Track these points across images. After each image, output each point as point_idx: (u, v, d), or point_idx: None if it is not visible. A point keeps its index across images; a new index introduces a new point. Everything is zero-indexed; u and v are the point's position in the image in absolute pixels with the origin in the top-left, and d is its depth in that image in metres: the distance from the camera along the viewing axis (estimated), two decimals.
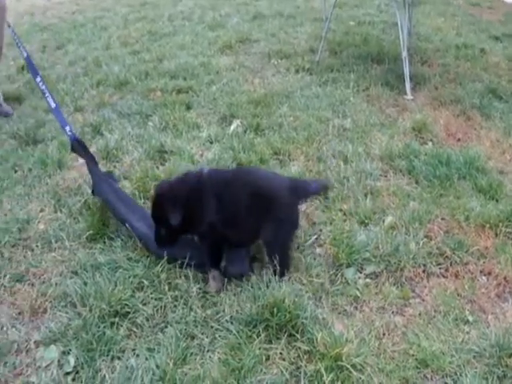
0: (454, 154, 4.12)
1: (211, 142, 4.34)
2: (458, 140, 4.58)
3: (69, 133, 3.47)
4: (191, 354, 2.48)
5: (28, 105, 5.45)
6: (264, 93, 5.24)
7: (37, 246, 3.24)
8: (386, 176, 3.94)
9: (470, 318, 2.79)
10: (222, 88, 5.47)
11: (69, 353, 2.51)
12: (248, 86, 5.58)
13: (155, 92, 5.43)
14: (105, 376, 2.38)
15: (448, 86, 5.60)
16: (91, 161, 3.48)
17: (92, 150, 4.11)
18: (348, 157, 4.10)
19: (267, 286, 2.75)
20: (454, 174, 3.89)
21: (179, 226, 2.80)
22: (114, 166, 4.02)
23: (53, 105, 3.57)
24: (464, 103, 5.14)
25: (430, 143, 4.48)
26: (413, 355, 2.53)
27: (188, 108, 5.00)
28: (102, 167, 3.73)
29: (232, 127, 4.52)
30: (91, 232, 3.26)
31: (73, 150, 3.56)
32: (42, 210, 3.57)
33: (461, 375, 2.43)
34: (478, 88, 5.55)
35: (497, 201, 3.66)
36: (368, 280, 3.00)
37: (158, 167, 4.01)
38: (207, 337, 2.58)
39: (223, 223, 2.82)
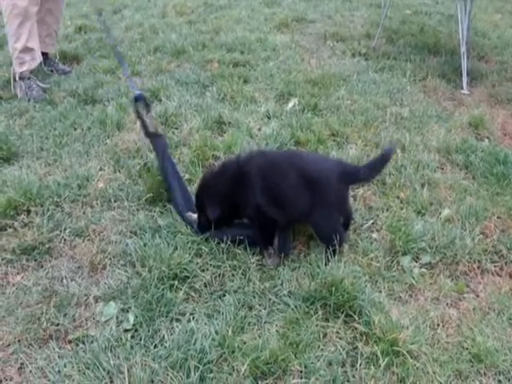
0: None
1: (269, 118, 4.34)
2: None
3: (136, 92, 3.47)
4: (249, 323, 2.51)
5: (86, 64, 5.48)
6: (321, 73, 5.21)
7: (96, 203, 3.29)
8: (442, 168, 3.91)
9: None
10: (278, 65, 5.46)
11: (128, 311, 2.55)
12: (304, 65, 5.56)
13: (212, 63, 5.43)
14: (164, 336, 2.42)
15: (505, 85, 5.50)
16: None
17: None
18: (405, 146, 4.07)
19: (325, 265, 2.77)
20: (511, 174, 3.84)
21: (219, 218, 2.86)
22: (173, 133, 4.05)
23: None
24: None
25: (487, 140, 4.43)
26: (467, 349, 2.53)
27: (245, 82, 4.99)
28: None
29: (290, 104, 4.51)
30: (151, 195, 3.29)
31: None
32: (101, 169, 3.61)
33: None
34: None
35: None
36: (423, 270, 2.99)
37: (216, 137, 4.02)
38: (265, 308, 2.60)
39: (271, 205, 2.82)
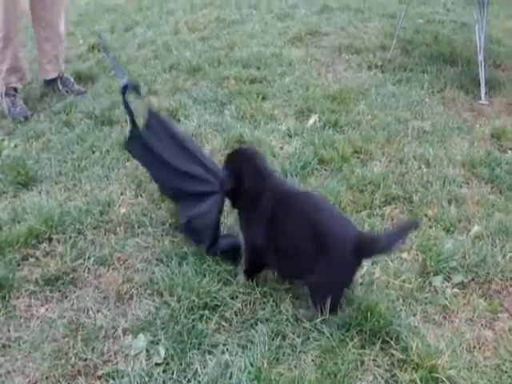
0: None
1: (290, 136, 4.30)
2: None
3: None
4: (284, 353, 2.45)
5: (101, 84, 5.47)
6: (339, 88, 5.18)
7: (119, 229, 3.23)
8: (468, 183, 3.86)
9: None
10: (295, 80, 5.42)
11: (158, 343, 2.49)
12: (321, 79, 5.52)
13: (229, 80, 5.39)
14: (197, 370, 2.36)
15: None
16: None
17: None
18: (429, 160, 4.03)
19: (360, 290, 2.72)
20: None
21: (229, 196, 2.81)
22: None
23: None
24: None
25: (510, 152, 4.38)
26: (506, 372, 2.48)
27: (263, 98, 4.94)
28: None
29: (311, 121, 4.47)
30: (174, 220, 3.24)
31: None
32: (122, 193, 3.56)
33: None
34: None
35: None
36: (456, 290, 2.94)
37: None
38: (299, 337, 2.55)
39: (271, 246, 2.68)
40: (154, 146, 3.13)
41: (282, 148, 4.13)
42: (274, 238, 2.63)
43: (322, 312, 2.58)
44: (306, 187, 3.54)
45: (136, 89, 3.27)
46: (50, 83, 5.36)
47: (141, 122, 3.24)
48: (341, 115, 4.64)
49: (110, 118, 4.66)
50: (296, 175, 3.69)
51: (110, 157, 4.03)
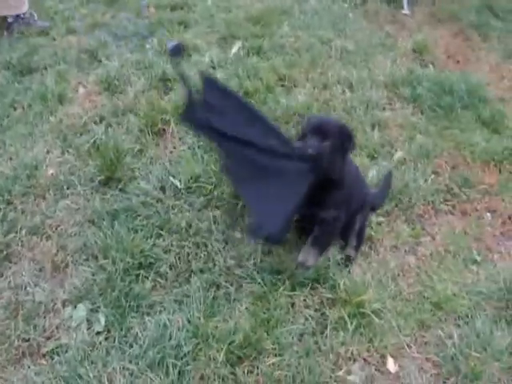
0: (456, 80, 4.13)
1: (214, 68, 4.23)
2: (458, 62, 4.60)
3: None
4: (219, 305, 2.54)
5: (16, 31, 5.10)
6: (262, 8, 5.07)
7: (49, 194, 3.13)
8: (391, 104, 3.96)
9: (478, 258, 2.94)
10: (217, 3, 5.26)
11: (97, 311, 2.51)
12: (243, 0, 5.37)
13: (149, 8, 5.18)
14: (137, 334, 2.41)
15: (444, 1, 5.48)
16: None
17: (91, 79, 4.05)
18: (353, 84, 4.07)
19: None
20: (457, 104, 3.94)
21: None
22: (118, 98, 3.87)
23: None
24: (461, 21, 5.11)
25: (431, 66, 4.47)
26: (427, 298, 2.67)
27: (185, 27, 4.80)
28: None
29: (234, 49, 4.40)
30: (103, 177, 3.19)
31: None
32: (48, 152, 3.43)
33: (472, 318, 2.58)
34: (474, 3, 5.47)
35: (500, 134, 3.74)
36: (381, 218, 3.08)
37: (162, 98, 3.88)
38: (232, 285, 2.64)
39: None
40: (217, 120, 2.53)
41: None
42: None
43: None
44: None
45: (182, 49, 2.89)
46: None
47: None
48: (264, 40, 4.58)
49: (29, 66, 4.36)
50: None
51: (32, 112, 3.81)
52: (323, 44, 4.57)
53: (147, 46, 4.54)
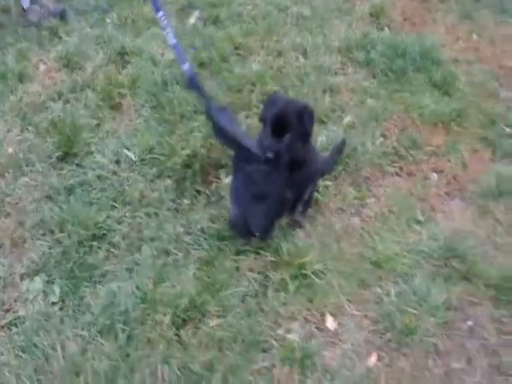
0: (411, 43, 4.19)
1: None
2: (414, 24, 4.65)
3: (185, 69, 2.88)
4: (167, 271, 2.67)
5: None
6: None
7: (8, 172, 3.20)
8: (344, 69, 4.03)
9: (421, 218, 3.06)
10: None
11: (53, 282, 2.64)
12: None
13: None
14: (90, 302, 2.54)
15: None
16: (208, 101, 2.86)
17: (52, 56, 4.06)
18: (307, 50, 4.13)
19: None
20: (410, 67, 4.01)
21: None
22: (77, 74, 3.92)
23: (172, 41, 2.96)
24: None
25: (387, 29, 4.52)
26: (368, 258, 2.80)
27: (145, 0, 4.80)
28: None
29: (191, 20, 4.44)
30: (60, 153, 3.28)
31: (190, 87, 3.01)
32: (8, 131, 3.48)
33: (411, 276, 2.72)
34: None
35: (450, 96, 3.83)
36: (328, 182, 3.18)
37: (120, 72, 3.94)
38: (180, 251, 2.77)
39: None
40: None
41: (163, 55, 4.11)
42: None
43: None
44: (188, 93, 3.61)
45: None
46: None
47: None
48: (222, 9, 4.61)
49: None
50: (177, 83, 3.73)
51: None
52: (280, 11, 4.61)
53: (107, 21, 4.55)
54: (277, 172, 2.57)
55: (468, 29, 4.74)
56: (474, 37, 4.69)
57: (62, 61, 4.03)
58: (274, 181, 2.60)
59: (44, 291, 2.60)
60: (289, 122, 2.54)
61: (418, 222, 3.03)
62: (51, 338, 2.38)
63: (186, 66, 2.83)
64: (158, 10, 2.95)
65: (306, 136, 2.65)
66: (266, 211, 2.69)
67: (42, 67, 3.91)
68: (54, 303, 2.55)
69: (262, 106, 2.78)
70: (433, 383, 2.35)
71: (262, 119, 2.65)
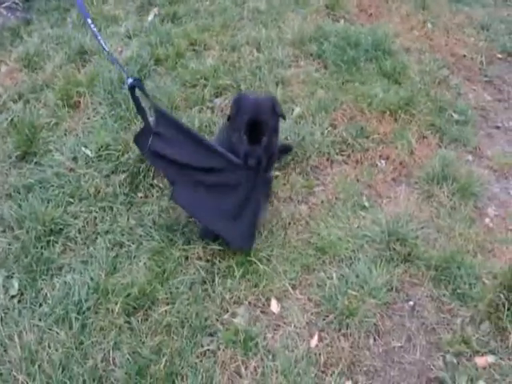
0: (364, 34, 4.32)
1: (130, 37, 4.35)
2: (370, 15, 4.76)
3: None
4: (120, 262, 2.80)
5: None
6: None
7: None
8: (296, 61, 4.14)
9: (367, 204, 3.20)
10: None
11: (12, 277, 2.76)
12: None
13: None
14: (46, 294, 2.66)
15: None
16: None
17: (13, 57, 4.15)
18: (261, 44, 4.23)
19: None
20: (362, 57, 4.14)
21: None
22: (37, 74, 4.01)
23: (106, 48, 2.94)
24: None
25: (342, 21, 4.63)
26: (313, 244, 2.93)
27: None
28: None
29: (150, 17, 4.52)
30: (20, 152, 3.38)
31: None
32: None
33: (354, 259, 2.85)
34: None
35: (400, 84, 3.96)
36: (277, 173, 3.30)
37: (79, 70, 4.02)
38: (133, 243, 2.89)
39: None
40: (167, 147, 2.78)
41: (120, 52, 4.19)
42: None
43: None
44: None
45: (142, 86, 2.87)
46: None
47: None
48: (179, 6, 4.71)
49: None
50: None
51: None
52: (237, 6, 4.71)
53: (68, 20, 4.63)
54: (256, 175, 2.68)
55: (423, 18, 4.88)
56: (429, 26, 4.82)
57: (23, 61, 4.12)
58: (256, 185, 2.70)
59: (4, 286, 2.71)
60: (264, 126, 2.63)
61: (363, 208, 3.17)
62: (9, 330, 2.50)
63: (129, 79, 2.81)
64: (86, 16, 3.02)
65: (277, 127, 2.78)
66: (249, 224, 2.79)
67: (3, 68, 4.00)
68: (13, 296, 2.67)
69: (230, 106, 2.81)
70: (372, 361, 2.49)
71: (233, 121, 2.73)
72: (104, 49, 2.92)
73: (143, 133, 2.82)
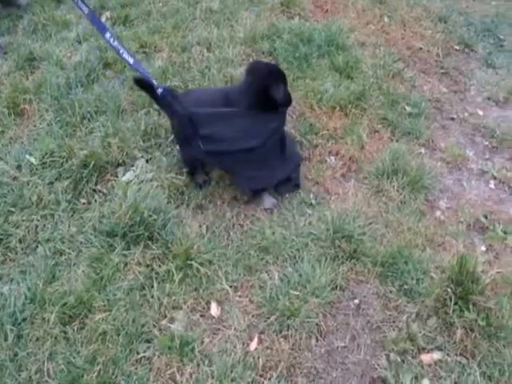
0: (318, 30, 4.29)
1: (79, 42, 4.30)
2: (326, 11, 4.73)
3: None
4: (59, 270, 2.76)
5: None
6: None
7: None
8: (247, 60, 4.08)
9: (314, 201, 3.16)
10: None
11: None
12: None
13: None
14: None
15: None
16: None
17: None
18: (212, 43, 4.19)
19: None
20: (314, 53, 4.10)
21: None
22: None
23: (131, 60, 3.05)
24: None
25: (297, 18, 4.59)
26: (257, 244, 2.90)
27: (58, 2, 4.84)
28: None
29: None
30: None
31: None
32: None
33: (298, 259, 2.82)
34: None
35: (352, 79, 3.94)
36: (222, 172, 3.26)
37: (27, 77, 3.97)
38: (74, 251, 2.85)
39: None
40: (218, 141, 2.93)
41: (70, 57, 4.15)
42: None
43: None
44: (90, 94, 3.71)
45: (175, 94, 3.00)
46: None
47: None
48: (131, 8, 4.66)
49: None
50: (81, 85, 3.79)
51: None
52: (190, 7, 4.66)
53: (20, 27, 4.56)
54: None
55: (380, 13, 4.85)
56: (385, 19, 4.80)
57: None
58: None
59: None
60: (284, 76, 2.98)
61: (310, 206, 3.14)
62: None
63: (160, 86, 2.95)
64: (104, 30, 3.11)
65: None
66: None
67: None
68: None
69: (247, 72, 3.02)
70: (313, 363, 2.46)
71: (252, 83, 2.94)
72: (128, 63, 3.05)
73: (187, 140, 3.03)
